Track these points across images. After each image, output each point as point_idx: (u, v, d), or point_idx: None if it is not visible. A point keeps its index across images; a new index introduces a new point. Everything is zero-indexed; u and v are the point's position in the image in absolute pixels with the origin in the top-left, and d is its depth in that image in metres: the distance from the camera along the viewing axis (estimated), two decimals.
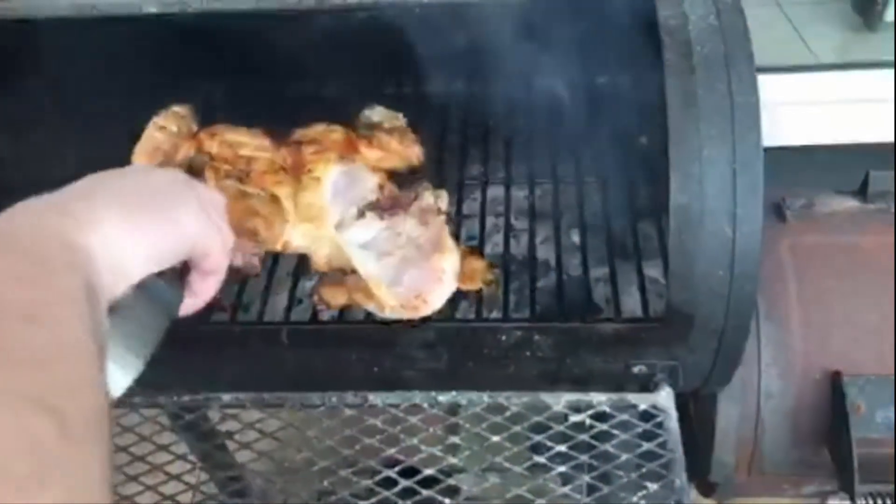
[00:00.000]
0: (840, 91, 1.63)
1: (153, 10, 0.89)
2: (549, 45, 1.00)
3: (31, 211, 0.50)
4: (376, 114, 1.07)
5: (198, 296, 0.62)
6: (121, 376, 0.52)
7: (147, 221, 0.54)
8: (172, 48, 1.04)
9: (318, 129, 1.00)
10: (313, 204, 0.94)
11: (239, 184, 0.91)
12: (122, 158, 0.99)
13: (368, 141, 1.02)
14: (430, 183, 1.09)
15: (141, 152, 0.96)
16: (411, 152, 1.04)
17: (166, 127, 0.97)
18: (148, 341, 0.54)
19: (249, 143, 0.96)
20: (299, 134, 1.00)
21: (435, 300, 0.86)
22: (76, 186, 0.54)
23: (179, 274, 0.60)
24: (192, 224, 0.58)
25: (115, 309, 0.50)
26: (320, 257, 0.94)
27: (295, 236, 0.94)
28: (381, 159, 1.02)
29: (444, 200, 0.95)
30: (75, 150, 1.20)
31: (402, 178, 1.06)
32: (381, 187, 1.00)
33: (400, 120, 1.07)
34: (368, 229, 0.92)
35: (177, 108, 1.00)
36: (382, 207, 0.94)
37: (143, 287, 0.53)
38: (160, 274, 0.55)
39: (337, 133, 1.01)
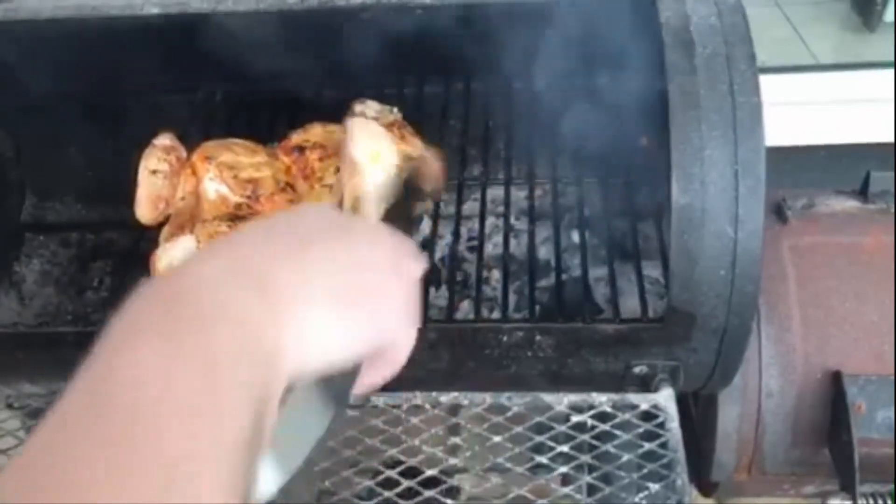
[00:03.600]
0: (840, 91, 1.64)
1: (154, 10, 0.89)
2: (549, 45, 1.00)
3: (225, 278, 0.40)
4: (370, 109, 1.06)
5: (368, 384, 0.54)
6: (276, 475, 0.46)
7: (351, 317, 0.45)
8: (173, 48, 1.04)
9: (315, 131, 1.00)
10: None
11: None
12: (123, 157, 0.98)
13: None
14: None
15: (143, 204, 0.95)
16: (415, 144, 1.04)
17: (158, 170, 0.95)
18: (313, 438, 0.48)
19: (247, 163, 0.95)
20: (300, 138, 0.99)
21: None
22: (284, 241, 0.44)
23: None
24: (395, 320, 0.49)
25: (284, 400, 0.43)
26: None
27: None
28: None
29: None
30: (77, 149, 1.20)
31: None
32: None
33: (395, 114, 1.07)
34: None
35: (160, 141, 0.98)
36: None
37: (318, 380, 0.47)
38: None
39: (337, 133, 1.00)
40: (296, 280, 0.42)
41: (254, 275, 0.41)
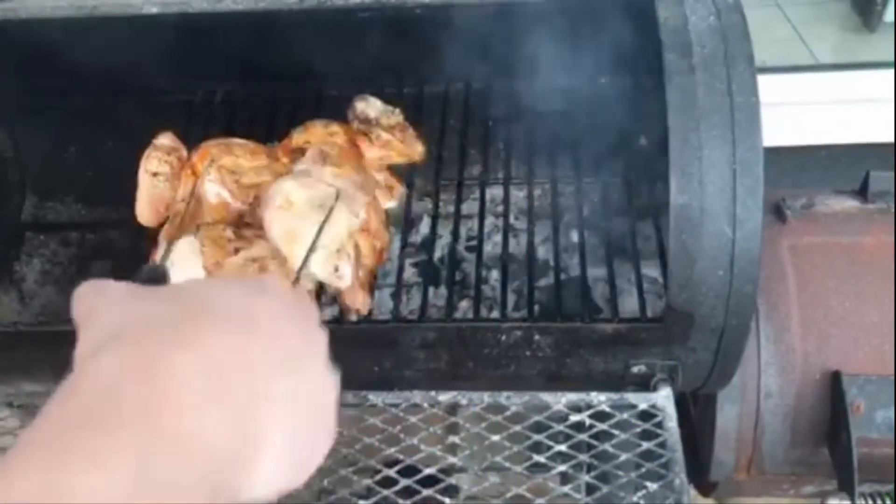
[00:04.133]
0: (840, 91, 1.64)
1: (154, 10, 0.89)
2: (549, 46, 1.00)
3: (205, 402, 0.38)
4: (372, 108, 1.06)
5: None
6: None
7: (301, 467, 0.43)
8: (173, 48, 1.04)
9: (316, 131, 0.99)
10: None
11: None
12: (123, 157, 0.99)
13: (369, 138, 1.01)
14: (429, 183, 1.09)
15: (144, 207, 0.95)
16: (413, 150, 1.04)
17: (159, 172, 0.95)
18: None
19: (248, 167, 0.94)
20: (301, 138, 0.99)
21: None
22: (264, 370, 0.41)
23: None
24: (319, 459, 0.46)
25: None
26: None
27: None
28: (383, 157, 1.02)
29: None
30: (77, 149, 1.20)
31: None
32: (389, 189, 1.00)
33: (397, 115, 1.06)
34: None
35: (161, 141, 0.97)
36: None
37: None
38: None
39: (338, 135, 1.00)
40: (269, 420, 0.40)
41: (234, 406, 0.38)
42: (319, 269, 0.84)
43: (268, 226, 0.85)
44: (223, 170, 0.93)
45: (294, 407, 0.42)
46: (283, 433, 0.41)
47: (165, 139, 0.98)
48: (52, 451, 0.34)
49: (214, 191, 0.93)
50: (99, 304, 0.44)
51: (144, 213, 0.95)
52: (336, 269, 0.84)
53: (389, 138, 1.02)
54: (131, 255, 1.04)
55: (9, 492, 0.32)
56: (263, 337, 0.42)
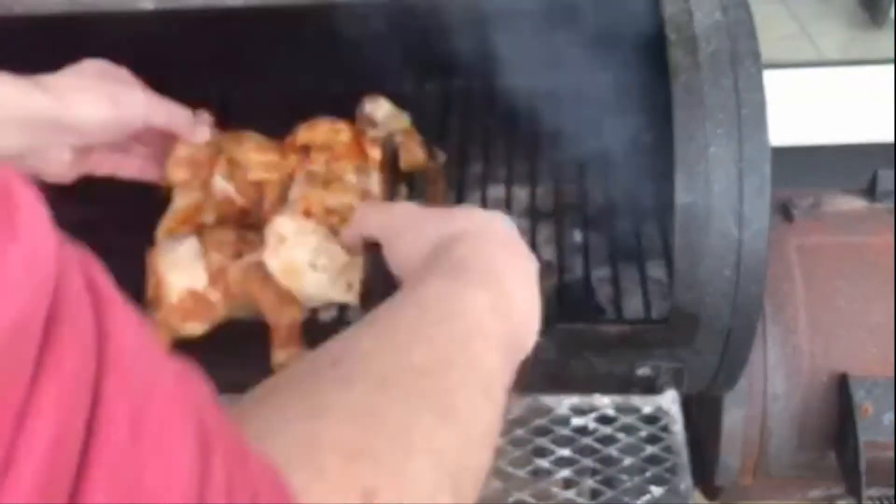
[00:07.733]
0: (846, 88, 1.63)
1: (149, 5, 0.88)
2: (551, 43, 0.99)
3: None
4: (380, 109, 1.05)
5: None
6: None
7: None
8: (171, 46, 1.03)
9: (322, 129, 0.98)
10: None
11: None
12: None
13: (374, 141, 1.00)
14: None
15: (175, 165, 0.91)
16: (416, 156, 1.02)
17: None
18: None
19: (257, 161, 0.92)
20: (306, 136, 0.97)
21: None
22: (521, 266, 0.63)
23: None
24: None
25: None
26: None
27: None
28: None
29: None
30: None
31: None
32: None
33: (404, 119, 1.05)
34: None
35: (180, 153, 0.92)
36: None
37: None
38: None
39: (344, 133, 0.99)
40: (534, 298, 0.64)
41: (530, 287, 0.63)
42: (332, 292, 0.82)
43: (270, 270, 0.83)
44: (232, 163, 0.92)
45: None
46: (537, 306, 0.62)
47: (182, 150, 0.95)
48: (450, 276, 0.56)
49: (221, 186, 0.91)
50: (406, 221, 0.67)
51: (176, 171, 0.90)
52: (350, 286, 0.82)
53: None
54: (131, 255, 1.03)
55: (421, 289, 0.55)
56: (521, 253, 0.63)
